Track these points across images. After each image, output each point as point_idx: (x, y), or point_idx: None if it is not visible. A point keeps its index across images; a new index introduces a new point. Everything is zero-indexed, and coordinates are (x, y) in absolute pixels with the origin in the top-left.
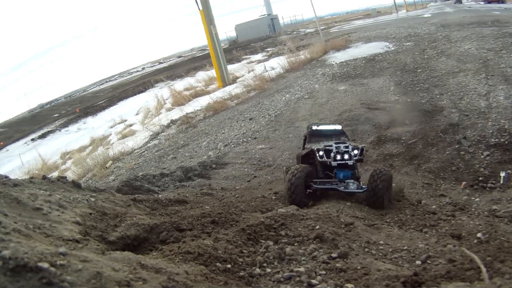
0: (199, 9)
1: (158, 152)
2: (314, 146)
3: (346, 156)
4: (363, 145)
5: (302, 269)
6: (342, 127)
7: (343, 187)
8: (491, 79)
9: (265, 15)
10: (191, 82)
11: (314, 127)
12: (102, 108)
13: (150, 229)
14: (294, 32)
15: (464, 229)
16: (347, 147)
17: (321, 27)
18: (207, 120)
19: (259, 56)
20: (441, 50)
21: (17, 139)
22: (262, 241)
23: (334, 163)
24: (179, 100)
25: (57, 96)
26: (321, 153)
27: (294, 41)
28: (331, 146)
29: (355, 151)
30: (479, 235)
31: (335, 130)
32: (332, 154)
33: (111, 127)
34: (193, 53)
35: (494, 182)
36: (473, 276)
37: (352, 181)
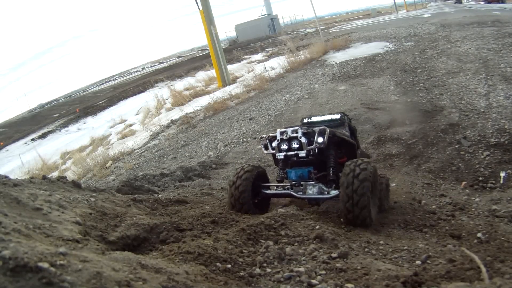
0: (199, 9)
1: (158, 152)
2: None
3: (294, 145)
4: (325, 127)
5: (302, 269)
6: (344, 115)
7: (301, 192)
8: (491, 79)
9: (265, 15)
10: (191, 82)
11: (305, 120)
12: (102, 108)
13: (150, 229)
14: (294, 32)
15: (464, 229)
16: (295, 131)
17: (321, 27)
18: (207, 120)
19: (259, 56)
20: (441, 50)
21: (17, 139)
22: (262, 241)
23: (279, 156)
24: (179, 100)
25: (57, 96)
26: (263, 142)
27: (294, 41)
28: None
29: (320, 139)
30: (479, 235)
31: (330, 121)
32: (275, 143)
33: (111, 127)
34: (193, 53)
35: (494, 182)
36: (473, 276)
37: (312, 182)
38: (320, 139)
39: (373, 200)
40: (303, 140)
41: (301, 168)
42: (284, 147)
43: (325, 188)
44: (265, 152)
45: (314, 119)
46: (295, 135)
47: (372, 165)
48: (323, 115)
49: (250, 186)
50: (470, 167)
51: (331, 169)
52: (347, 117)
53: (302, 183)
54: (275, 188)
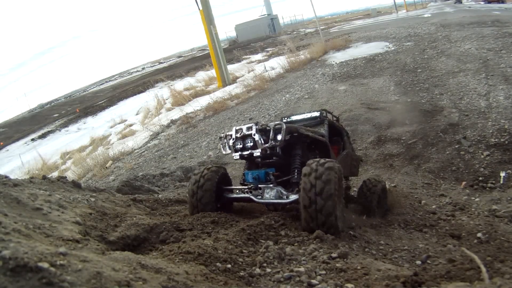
0: (199, 9)
1: (158, 152)
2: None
3: (249, 143)
4: (280, 122)
5: (302, 269)
6: (325, 113)
7: (260, 196)
8: (491, 79)
9: (265, 15)
10: (191, 82)
11: (284, 119)
12: (102, 108)
13: (150, 229)
14: (294, 32)
15: (464, 229)
16: (250, 128)
17: (321, 27)
18: (207, 120)
19: (259, 56)
20: (441, 50)
21: (17, 139)
22: (262, 241)
23: (235, 156)
24: (179, 100)
25: (57, 96)
26: (221, 143)
27: (294, 41)
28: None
29: (278, 136)
30: (479, 235)
31: (310, 119)
32: (231, 142)
33: (111, 127)
34: (193, 53)
35: (494, 182)
36: (473, 276)
37: (271, 185)
38: (278, 137)
39: (339, 205)
40: (257, 137)
41: (258, 169)
42: (239, 146)
43: (284, 192)
44: (224, 153)
45: (294, 117)
46: (249, 132)
47: (337, 166)
48: (303, 113)
49: (215, 186)
50: (470, 167)
51: (296, 170)
52: (331, 115)
53: (260, 186)
54: (237, 191)
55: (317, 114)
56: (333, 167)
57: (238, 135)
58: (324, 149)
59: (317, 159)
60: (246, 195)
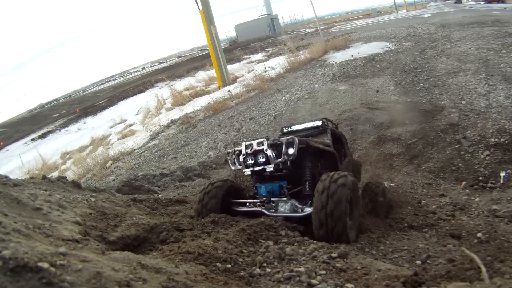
0: (199, 9)
1: (158, 152)
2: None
3: (260, 159)
4: (293, 136)
5: (302, 269)
6: (326, 121)
7: (273, 210)
8: (491, 79)
9: (265, 15)
10: (191, 82)
11: (285, 130)
12: (102, 108)
13: (150, 229)
14: (294, 32)
15: (464, 229)
16: (261, 143)
17: (321, 27)
18: (207, 120)
19: (259, 56)
20: (441, 50)
21: (17, 139)
22: (262, 241)
23: (246, 172)
24: (179, 100)
25: (57, 96)
26: (230, 158)
27: (294, 41)
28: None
29: (290, 150)
30: (479, 235)
31: (311, 128)
32: (241, 158)
33: (111, 127)
34: (193, 53)
35: (494, 182)
36: (473, 276)
37: (285, 199)
38: (290, 151)
39: (353, 218)
40: (269, 153)
41: (271, 183)
42: (250, 162)
43: (298, 205)
44: (233, 169)
45: (295, 127)
46: (260, 147)
47: (350, 179)
48: (303, 122)
49: (220, 203)
50: (470, 167)
51: (307, 183)
52: (331, 123)
53: (274, 199)
54: (247, 204)
55: (319, 123)
56: (346, 184)
57: (248, 151)
58: (330, 159)
59: (331, 174)
60: (258, 208)
